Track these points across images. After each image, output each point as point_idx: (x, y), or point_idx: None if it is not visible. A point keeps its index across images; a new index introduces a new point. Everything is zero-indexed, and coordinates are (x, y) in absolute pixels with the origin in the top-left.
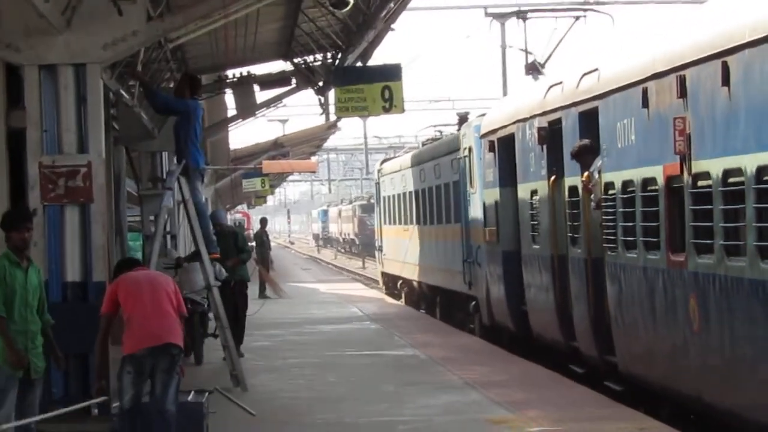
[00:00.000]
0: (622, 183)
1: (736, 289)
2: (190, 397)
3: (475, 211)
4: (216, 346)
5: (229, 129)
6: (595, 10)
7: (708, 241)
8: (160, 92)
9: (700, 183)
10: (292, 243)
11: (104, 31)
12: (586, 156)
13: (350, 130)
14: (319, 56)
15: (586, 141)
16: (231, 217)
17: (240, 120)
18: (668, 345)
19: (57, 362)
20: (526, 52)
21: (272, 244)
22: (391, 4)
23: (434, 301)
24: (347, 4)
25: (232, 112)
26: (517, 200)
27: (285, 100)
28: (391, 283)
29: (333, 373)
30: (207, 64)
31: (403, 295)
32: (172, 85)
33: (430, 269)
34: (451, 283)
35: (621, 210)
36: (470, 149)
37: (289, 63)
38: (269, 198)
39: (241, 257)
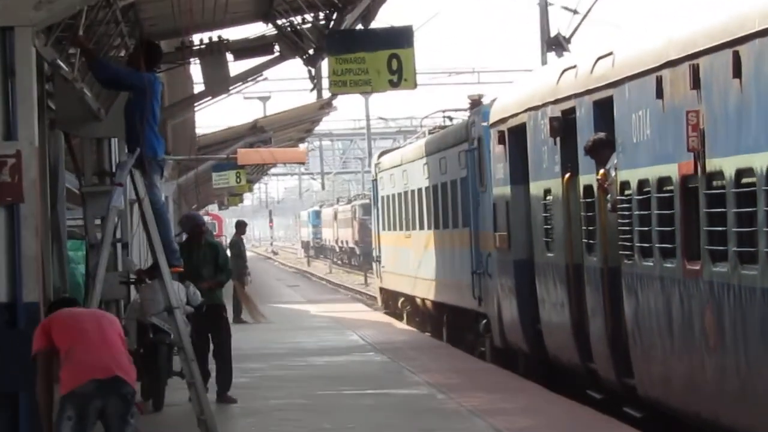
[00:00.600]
0: (638, 182)
1: (750, 301)
2: None
3: (485, 214)
4: (181, 385)
5: (196, 109)
6: None
7: (722, 248)
8: (108, 62)
9: (715, 183)
10: (276, 253)
11: None
12: (601, 151)
13: (349, 110)
14: (309, 16)
15: (601, 134)
16: None
17: (209, 98)
18: (685, 364)
19: None
20: (573, 12)
21: (248, 254)
22: None
23: (441, 322)
24: None
25: (199, 87)
26: (529, 200)
27: (266, 73)
28: (391, 301)
29: (327, 418)
30: (167, 27)
31: (405, 315)
32: (123, 54)
33: (435, 283)
34: (459, 299)
35: (637, 213)
36: (479, 140)
37: (270, 25)
38: (246, 196)
39: (219, 279)
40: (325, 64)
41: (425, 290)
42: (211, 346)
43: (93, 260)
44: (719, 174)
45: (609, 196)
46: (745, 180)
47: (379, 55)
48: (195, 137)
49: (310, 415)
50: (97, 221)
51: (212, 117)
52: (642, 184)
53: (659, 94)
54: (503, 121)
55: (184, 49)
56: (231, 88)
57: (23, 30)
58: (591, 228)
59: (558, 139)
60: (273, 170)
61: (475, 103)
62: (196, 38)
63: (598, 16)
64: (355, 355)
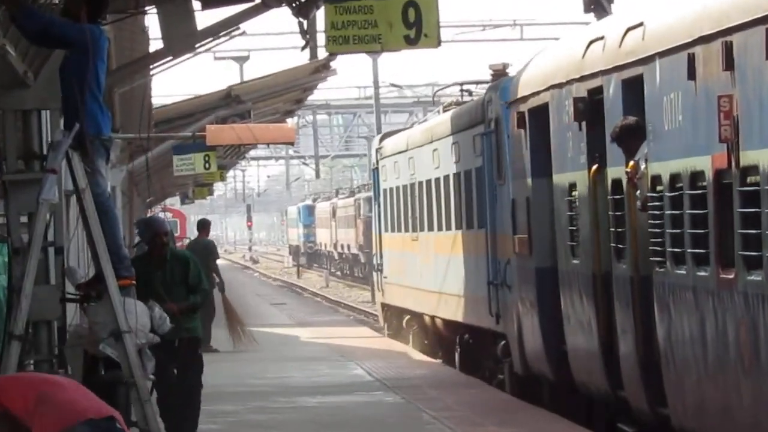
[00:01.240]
0: (670, 177)
1: None
2: None
3: (504, 212)
4: None
5: (152, 73)
6: None
7: (757, 253)
8: (36, 11)
9: (749, 179)
10: (256, 261)
11: None
12: (630, 139)
13: (352, 75)
14: None
15: (630, 119)
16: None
17: (169, 58)
18: (720, 389)
19: None
20: None
21: (217, 261)
22: None
23: (453, 344)
24: None
25: (156, 45)
26: (552, 197)
27: (243, 26)
28: (395, 320)
29: None
30: None
31: (411, 338)
32: (58, 1)
33: (446, 297)
34: (473, 317)
35: (668, 212)
36: (497, 122)
37: None
38: (218, 187)
39: (192, 301)
40: (321, 15)
41: (434, 306)
42: None
43: (17, 269)
44: (754, 168)
45: (639, 192)
46: None
47: (390, 4)
48: (151, 109)
49: None
50: (24, 219)
51: (173, 83)
52: (674, 178)
53: (691, 74)
54: (523, 100)
55: None
56: (198, 45)
57: None
58: (620, 230)
59: (584, 123)
60: (252, 153)
61: (498, 75)
62: None
63: None
64: (359, 394)
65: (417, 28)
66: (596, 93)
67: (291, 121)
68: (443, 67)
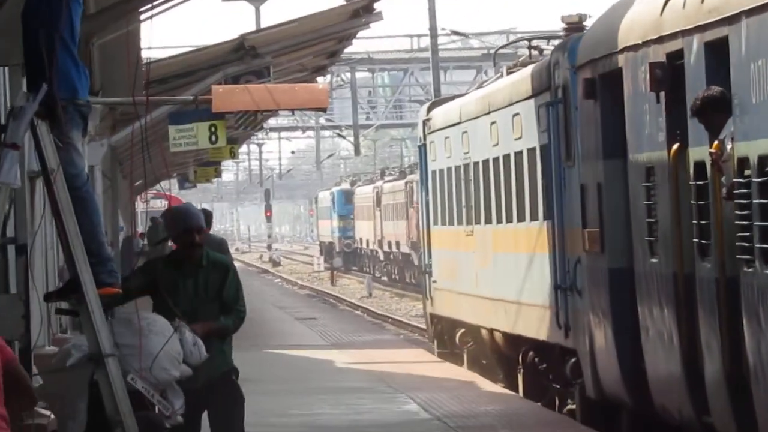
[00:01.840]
0: (758, 159)
1: None
2: None
3: (572, 201)
4: None
5: (142, 17)
6: None
7: None
8: None
9: None
10: (277, 263)
11: None
12: (713, 114)
13: (402, 20)
14: None
15: (714, 90)
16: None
17: None
18: None
19: None
20: None
21: None
22: None
23: (516, 364)
24: None
25: None
26: (627, 182)
27: None
28: (447, 334)
29: None
30: None
31: (465, 357)
32: None
33: (507, 306)
34: (536, 329)
35: (756, 201)
36: (564, 90)
37: None
38: (227, 166)
39: (225, 324)
40: None
41: (492, 316)
42: None
43: None
44: None
45: (724, 177)
46: None
47: None
48: (141, 66)
49: None
50: None
51: (170, 31)
52: (762, 161)
53: None
54: (593, 63)
55: None
56: None
57: None
58: (704, 222)
59: (662, 94)
60: (272, 122)
61: (573, 29)
62: None
63: None
64: None
65: None
66: (676, 58)
67: (322, 81)
68: (520, 12)
